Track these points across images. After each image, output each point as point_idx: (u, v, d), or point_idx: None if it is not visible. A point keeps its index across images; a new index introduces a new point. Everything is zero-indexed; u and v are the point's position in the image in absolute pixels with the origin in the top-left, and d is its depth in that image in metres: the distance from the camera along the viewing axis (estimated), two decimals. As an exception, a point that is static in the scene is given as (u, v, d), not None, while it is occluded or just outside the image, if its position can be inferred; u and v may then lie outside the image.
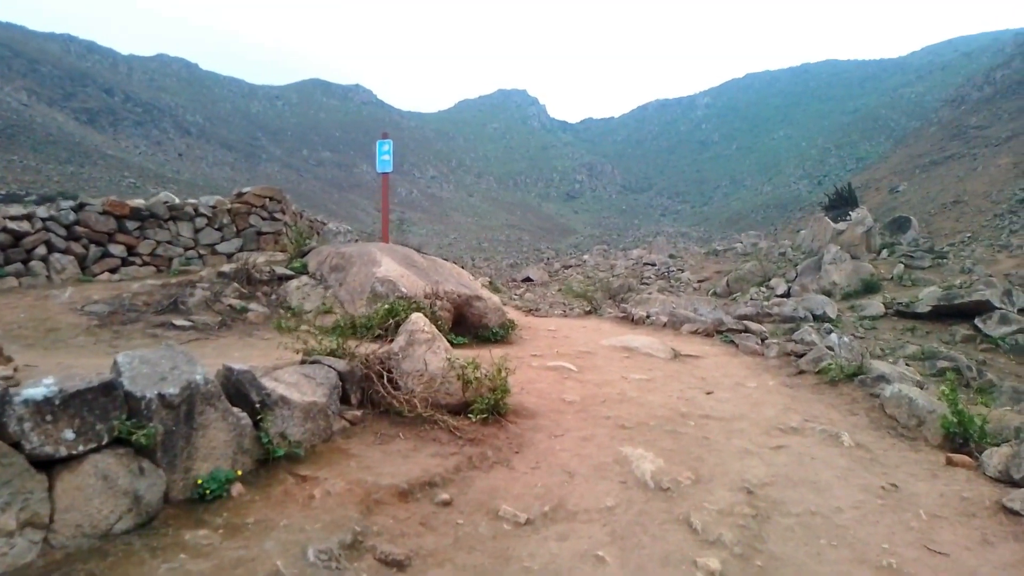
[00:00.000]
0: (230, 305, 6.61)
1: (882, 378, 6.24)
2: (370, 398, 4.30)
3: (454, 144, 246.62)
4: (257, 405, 4.20)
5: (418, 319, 4.75)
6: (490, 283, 55.18)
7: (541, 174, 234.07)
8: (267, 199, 10.06)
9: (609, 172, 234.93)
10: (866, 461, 5.24)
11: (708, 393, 5.89)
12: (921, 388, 6.29)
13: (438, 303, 7.38)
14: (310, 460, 4.26)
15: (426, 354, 4.57)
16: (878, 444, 5.46)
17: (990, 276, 30.34)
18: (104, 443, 3.47)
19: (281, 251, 9.28)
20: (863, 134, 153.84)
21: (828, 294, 30.78)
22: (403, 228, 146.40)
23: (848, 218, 38.50)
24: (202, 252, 8.99)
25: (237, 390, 4.29)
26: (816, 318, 28.80)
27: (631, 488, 4.59)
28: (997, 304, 20.03)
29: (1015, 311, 21.06)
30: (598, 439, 4.94)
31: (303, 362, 4.51)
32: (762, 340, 9.13)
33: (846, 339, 8.96)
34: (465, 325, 8.07)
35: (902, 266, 32.18)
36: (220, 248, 9.27)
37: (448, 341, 7.64)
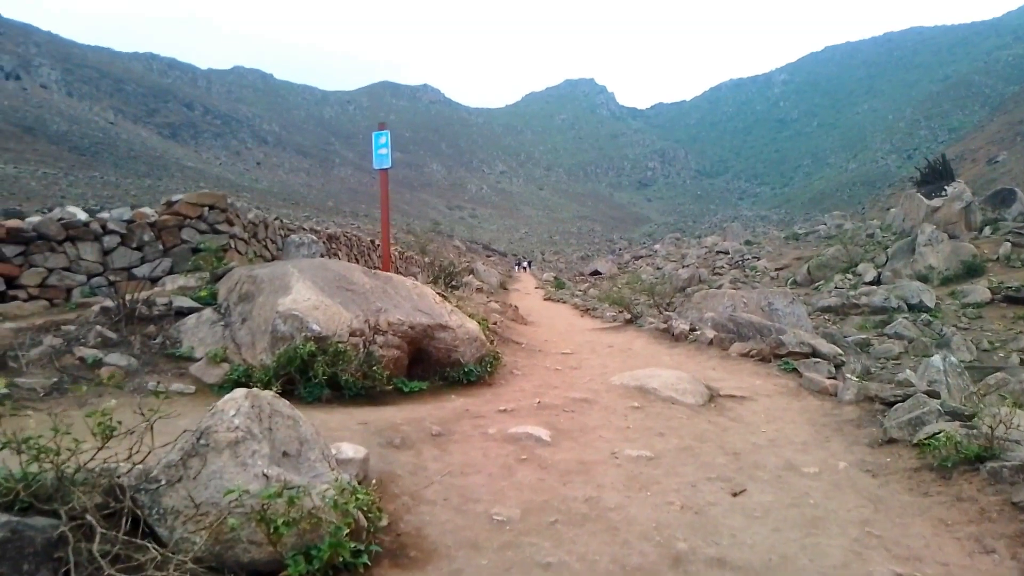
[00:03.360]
0: (81, 358, 4.94)
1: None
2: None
3: (522, 138, 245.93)
4: None
5: (230, 403, 2.85)
6: (555, 279, 53.30)
7: (612, 163, 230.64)
8: (205, 208, 8.35)
9: (682, 157, 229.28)
10: None
11: (736, 494, 3.66)
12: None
13: (379, 339, 5.47)
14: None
15: (225, 468, 2.66)
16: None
17: (1121, 252, 26.44)
18: None
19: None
20: (955, 103, 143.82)
21: (924, 279, 27.44)
22: (473, 225, 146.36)
23: (944, 193, 34.51)
24: (113, 279, 7.39)
25: None
26: (911, 308, 25.62)
27: None
28: None
29: None
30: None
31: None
32: (836, 367, 6.81)
33: (953, 360, 6.55)
34: (427, 363, 6.14)
35: (1009, 245, 28.30)
36: (139, 272, 7.62)
37: (397, 387, 5.76)
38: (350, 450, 3.65)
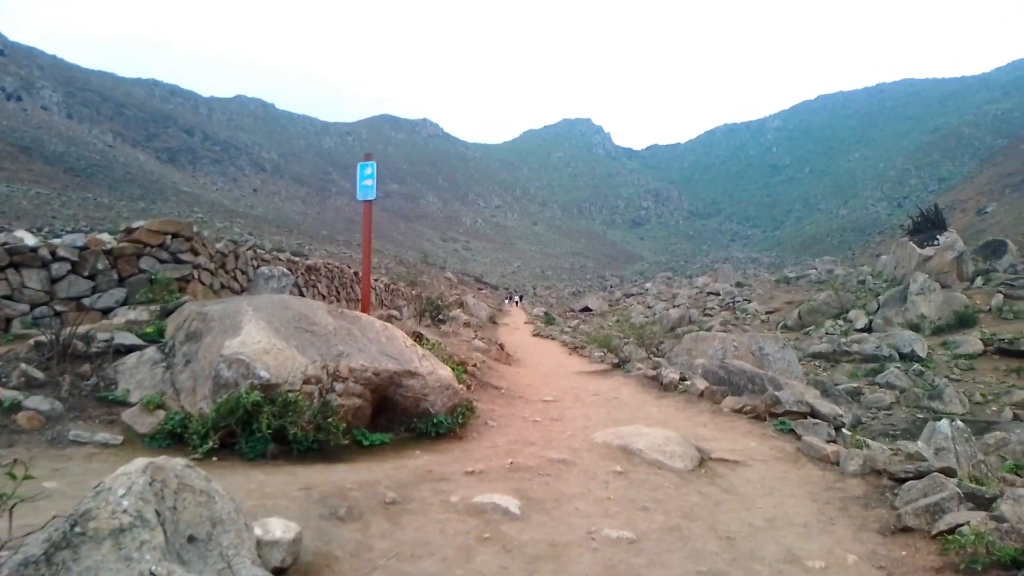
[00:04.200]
0: (-3, 400, 4.40)
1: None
2: None
3: (519, 174, 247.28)
4: None
5: (121, 479, 2.23)
6: (545, 314, 52.86)
7: (606, 201, 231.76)
8: (168, 236, 7.81)
9: (676, 198, 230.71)
10: None
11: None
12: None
13: (338, 386, 4.93)
14: None
15: (103, 565, 2.09)
16: None
17: (1114, 307, 26.18)
18: None
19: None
20: (945, 154, 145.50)
21: (916, 328, 27.08)
22: (467, 257, 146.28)
23: (936, 242, 34.38)
24: (61, 309, 6.83)
25: None
26: (903, 357, 25.21)
27: None
28: None
29: None
30: None
31: None
32: (836, 429, 6.27)
33: (960, 425, 6.05)
34: (393, 413, 5.60)
35: (1001, 296, 28.03)
36: (90, 303, 7.06)
37: (357, 440, 5.21)
38: (279, 528, 3.10)
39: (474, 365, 9.95)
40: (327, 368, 4.98)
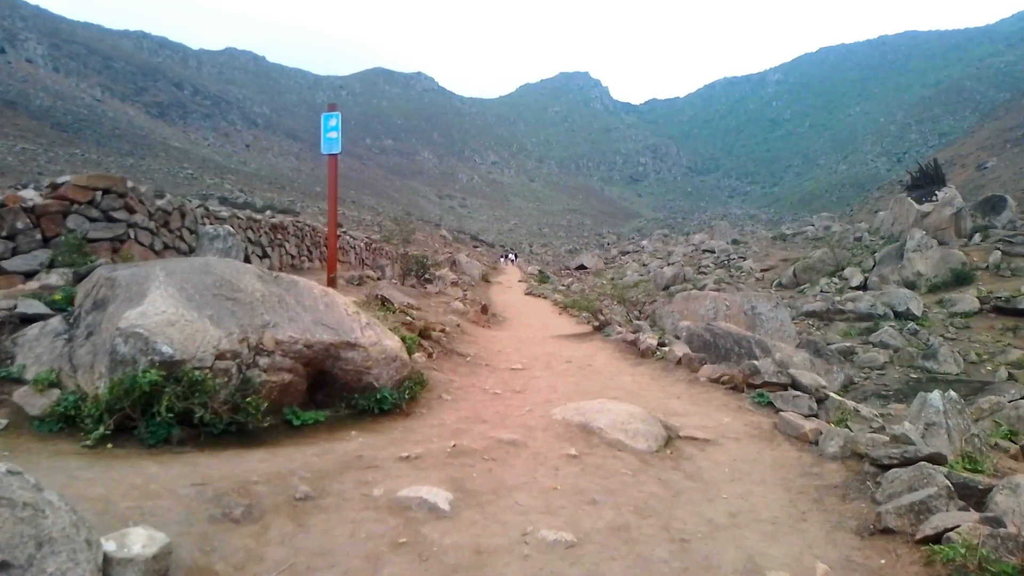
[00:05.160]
0: None
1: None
2: None
3: (515, 129, 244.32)
4: None
5: None
6: (539, 272, 52.38)
7: (604, 157, 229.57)
8: (98, 192, 7.18)
9: (674, 153, 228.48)
10: None
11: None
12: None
13: (262, 361, 4.41)
14: None
15: None
16: None
17: (1114, 264, 25.71)
18: None
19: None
20: (946, 108, 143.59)
21: (911, 286, 26.62)
22: (463, 215, 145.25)
23: (934, 198, 33.73)
24: None
25: None
26: (898, 315, 24.79)
27: None
28: None
29: None
30: None
31: None
32: (818, 402, 5.76)
33: (953, 396, 5.55)
34: (332, 388, 5.08)
35: (999, 253, 27.49)
36: (9, 265, 6.47)
37: (287, 420, 4.70)
38: (139, 541, 2.58)
39: (442, 331, 9.41)
40: (248, 341, 4.44)
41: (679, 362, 7.96)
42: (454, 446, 4.40)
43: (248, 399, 4.28)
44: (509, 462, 4.23)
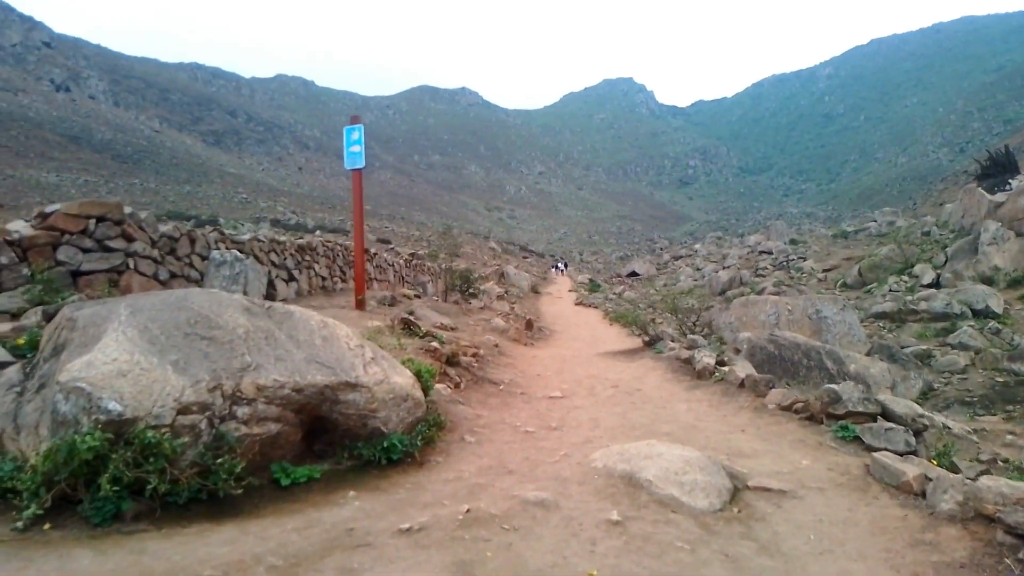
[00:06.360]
0: None
1: None
2: None
3: (561, 138, 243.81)
4: None
5: None
6: (590, 281, 51.38)
7: (652, 162, 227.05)
8: (91, 220, 6.62)
9: (724, 155, 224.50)
10: None
11: None
12: None
13: (240, 411, 3.71)
14: None
15: None
16: None
17: None
18: None
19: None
20: (1010, 93, 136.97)
21: (989, 282, 24.80)
22: (512, 226, 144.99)
23: (1007, 187, 31.61)
24: None
25: None
26: (976, 314, 23.05)
27: None
28: None
29: None
30: None
31: None
32: (916, 435, 4.71)
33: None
34: (333, 435, 4.36)
35: (1086, 243, 25.52)
36: None
37: (275, 479, 3.98)
38: None
39: (474, 355, 8.61)
40: (222, 388, 3.74)
41: (742, 384, 6.95)
42: (468, 511, 3.59)
43: (220, 460, 3.56)
44: (535, 533, 3.39)
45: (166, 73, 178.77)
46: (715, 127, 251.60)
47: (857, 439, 4.92)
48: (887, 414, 5.10)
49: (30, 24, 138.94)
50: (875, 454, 4.37)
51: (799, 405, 5.76)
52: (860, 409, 5.11)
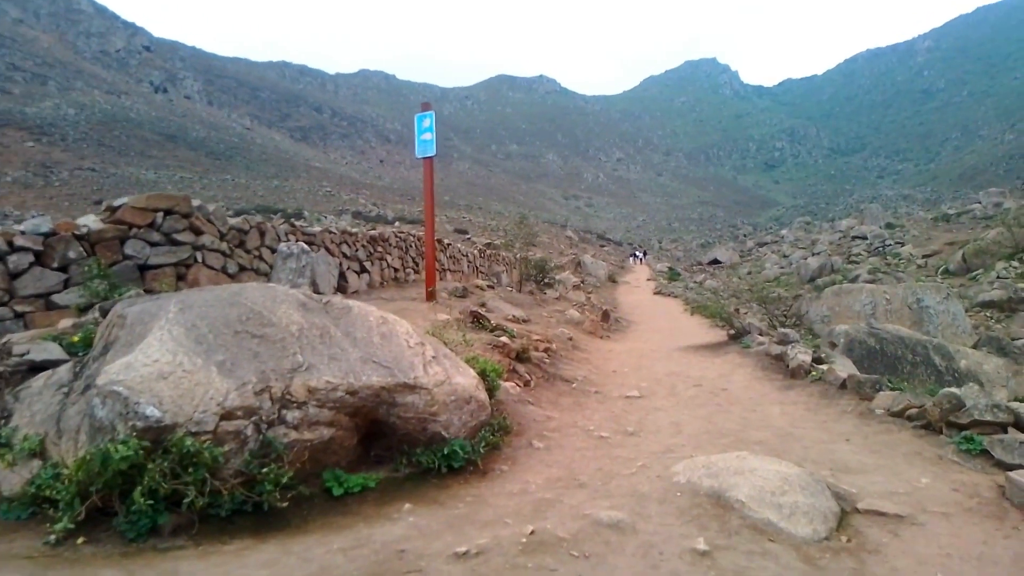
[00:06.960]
0: None
1: None
2: None
3: (640, 123, 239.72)
4: None
5: None
6: (669, 270, 50.16)
7: (736, 145, 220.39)
8: (159, 214, 6.54)
9: (814, 135, 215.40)
10: None
11: None
12: None
13: (290, 415, 3.45)
14: None
15: None
16: None
17: None
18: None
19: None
20: None
21: (1116, 267, 22.74)
22: (589, 214, 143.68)
23: None
24: (24, 309, 5.71)
25: None
26: (1099, 301, 21.22)
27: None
28: None
29: None
30: None
31: None
32: None
33: None
34: (391, 440, 4.06)
35: None
36: (62, 300, 5.94)
37: (327, 488, 3.71)
38: None
39: (546, 349, 8.20)
40: (271, 391, 3.49)
41: (843, 385, 6.23)
42: (532, 533, 3.21)
43: (266, 469, 3.31)
44: (607, 562, 2.97)
45: (256, 71, 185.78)
46: (804, 106, 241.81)
47: (985, 453, 4.23)
48: (1020, 423, 4.39)
49: (132, 30, 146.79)
50: (1011, 473, 3.70)
51: (913, 411, 5.02)
52: (988, 418, 4.40)
